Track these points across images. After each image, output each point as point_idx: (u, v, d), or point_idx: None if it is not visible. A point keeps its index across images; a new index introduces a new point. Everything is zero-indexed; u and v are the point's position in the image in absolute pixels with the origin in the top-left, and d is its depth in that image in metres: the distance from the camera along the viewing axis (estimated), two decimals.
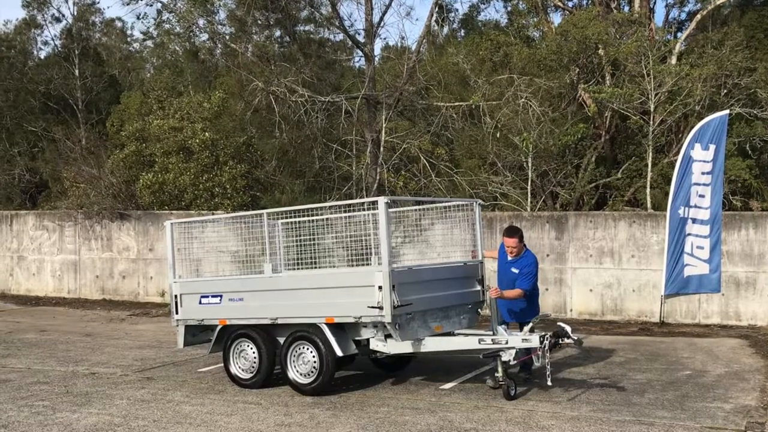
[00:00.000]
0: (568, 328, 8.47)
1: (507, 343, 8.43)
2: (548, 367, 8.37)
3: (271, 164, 20.29)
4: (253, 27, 24.66)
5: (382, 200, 8.49)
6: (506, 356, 8.44)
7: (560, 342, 8.48)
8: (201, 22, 23.21)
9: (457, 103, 19.88)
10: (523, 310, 9.57)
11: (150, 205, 19.63)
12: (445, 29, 27.65)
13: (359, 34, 21.22)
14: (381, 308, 8.19)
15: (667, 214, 15.40)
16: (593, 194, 20.08)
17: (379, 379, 9.74)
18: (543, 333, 8.41)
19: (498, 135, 18.97)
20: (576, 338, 8.56)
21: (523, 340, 8.42)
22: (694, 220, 15.25)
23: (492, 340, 8.53)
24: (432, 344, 8.71)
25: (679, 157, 15.60)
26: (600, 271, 16.08)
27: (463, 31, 29.07)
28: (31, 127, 27.40)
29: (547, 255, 16.39)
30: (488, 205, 19.03)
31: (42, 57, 33.58)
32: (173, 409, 8.07)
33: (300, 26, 25.25)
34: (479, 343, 8.57)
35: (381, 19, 20.26)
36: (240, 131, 20.58)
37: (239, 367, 9.27)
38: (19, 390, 8.99)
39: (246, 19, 23.83)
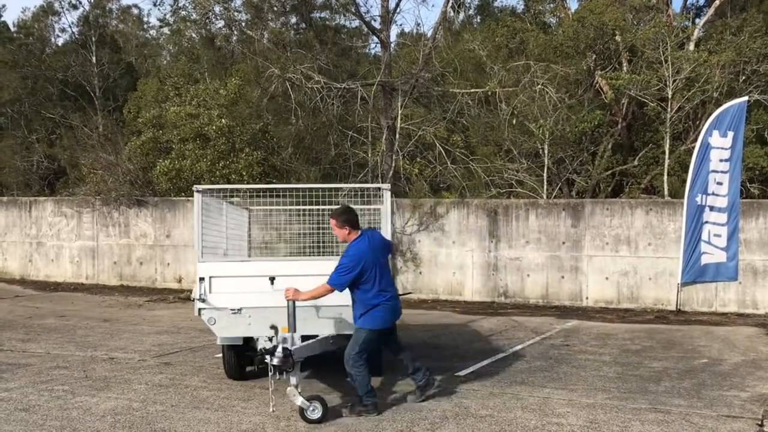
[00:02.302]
0: (279, 349, 6.93)
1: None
2: (271, 386, 7.28)
3: (287, 151, 20.31)
4: (269, 13, 24.65)
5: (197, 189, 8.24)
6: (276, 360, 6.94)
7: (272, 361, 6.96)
8: (217, 8, 23.26)
9: (472, 90, 19.81)
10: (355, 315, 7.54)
11: (167, 192, 19.73)
12: (461, 15, 27.51)
13: (375, 20, 21.15)
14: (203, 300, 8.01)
15: (685, 201, 15.32)
16: (610, 182, 20.00)
17: (395, 366, 9.78)
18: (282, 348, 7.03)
19: (514, 122, 18.91)
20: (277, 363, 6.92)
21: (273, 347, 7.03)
22: (711, 208, 15.17)
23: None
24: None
25: (697, 144, 15.51)
26: (616, 258, 16.03)
27: (479, 17, 28.92)
28: (49, 114, 27.57)
29: (563, 243, 16.36)
30: (504, 193, 19.01)
31: (59, 44, 33.79)
32: (191, 394, 8.15)
33: (316, 12, 25.20)
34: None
35: (397, 5, 20.20)
36: (256, 118, 20.61)
37: None
38: (39, 374, 9.10)
39: (262, 6, 23.84)
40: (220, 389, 8.42)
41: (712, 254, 15.14)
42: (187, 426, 6.94)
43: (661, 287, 15.71)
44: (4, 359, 10.00)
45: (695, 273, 15.24)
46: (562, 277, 16.41)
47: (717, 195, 15.16)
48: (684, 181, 16.17)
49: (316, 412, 7.04)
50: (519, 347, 11.31)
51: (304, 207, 10.62)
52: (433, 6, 39.65)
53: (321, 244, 10.47)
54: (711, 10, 21.97)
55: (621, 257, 16.01)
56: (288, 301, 7.30)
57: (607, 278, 16.09)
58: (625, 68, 20.32)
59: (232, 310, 8.08)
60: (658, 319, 14.69)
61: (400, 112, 19.34)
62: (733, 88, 18.36)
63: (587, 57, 20.13)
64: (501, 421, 7.19)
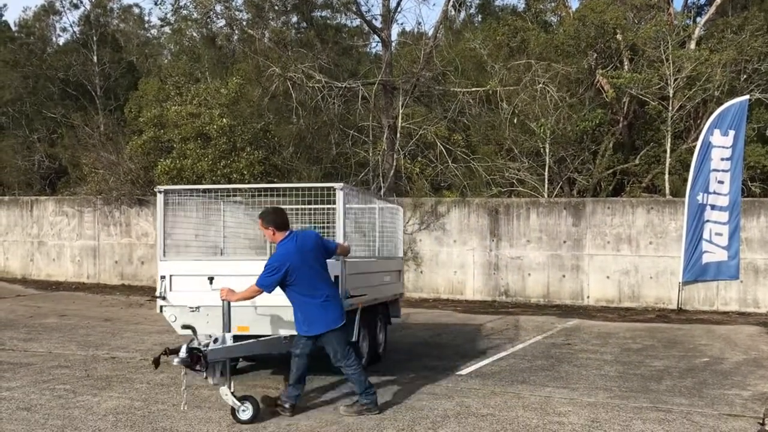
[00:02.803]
0: (183, 349, 6.65)
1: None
2: (183, 384, 7.02)
3: (288, 150, 20.32)
4: (270, 12, 24.66)
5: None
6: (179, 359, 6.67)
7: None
8: (218, 7, 23.29)
9: (473, 89, 19.82)
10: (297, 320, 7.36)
11: None
12: (462, 14, 27.54)
13: (376, 19, 21.18)
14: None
15: (686, 200, 15.35)
16: (611, 180, 20.00)
17: (397, 365, 9.79)
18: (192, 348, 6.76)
19: (515, 121, 18.92)
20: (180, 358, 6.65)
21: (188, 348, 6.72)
22: (712, 207, 15.19)
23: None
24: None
25: (698, 143, 15.54)
26: (617, 257, 16.04)
27: (480, 16, 28.91)
28: (50, 114, 27.58)
29: (564, 242, 16.36)
30: (505, 192, 19.01)
31: (61, 43, 33.77)
32: (192, 393, 8.15)
33: (317, 12, 25.20)
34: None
35: (398, 4, 20.25)
36: (257, 117, 20.61)
37: None
38: (40, 373, 9.11)
39: (263, 5, 23.84)
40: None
41: (713, 253, 15.16)
42: (189, 425, 6.95)
43: (663, 286, 15.71)
44: (5, 358, 10.00)
45: (696, 272, 15.26)
46: (563, 276, 16.41)
47: (718, 194, 15.18)
48: (685, 180, 16.19)
49: (246, 412, 6.92)
50: (520, 346, 11.31)
51: (298, 207, 10.61)
52: (434, 5, 39.71)
53: None
54: (712, 9, 21.97)
55: (622, 256, 16.00)
56: (223, 301, 7.20)
57: (608, 277, 16.09)
58: (626, 67, 20.32)
59: (190, 308, 8.08)
60: (660, 317, 14.69)
61: (401, 111, 19.35)
62: (735, 87, 18.36)
63: (588, 56, 20.13)
64: (502, 420, 7.18)
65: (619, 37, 20.18)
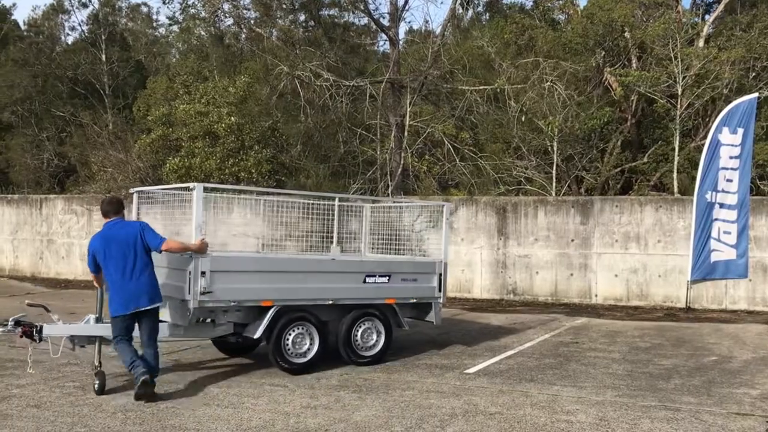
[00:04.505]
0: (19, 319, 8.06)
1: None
2: (30, 359, 8.30)
3: (296, 149, 20.36)
4: (277, 11, 24.69)
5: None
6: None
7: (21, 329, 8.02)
8: (226, 6, 23.37)
9: (481, 87, 19.82)
10: None
11: None
12: (470, 12, 27.51)
13: (384, 17, 21.21)
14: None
15: (694, 198, 15.32)
16: (619, 179, 19.97)
17: (404, 363, 9.81)
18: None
19: (523, 119, 18.91)
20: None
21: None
22: (721, 205, 15.15)
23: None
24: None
25: (707, 141, 15.51)
26: (625, 256, 16.01)
27: (487, 14, 28.90)
28: (59, 112, 27.72)
29: (572, 240, 16.35)
30: (512, 190, 19.00)
31: (69, 42, 33.96)
32: (201, 391, 8.19)
33: (324, 10, 25.23)
34: None
35: (406, 2, 20.27)
36: (265, 116, 20.66)
37: None
38: (50, 371, 9.15)
39: (271, 3, 23.88)
40: (229, 386, 8.46)
41: (722, 251, 15.13)
42: (198, 423, 6.98)
43: (671, 284, 15.68)
44: (15, 356, 10.06)
45: (705, 270, 15.24)
46: (571, 274, 16.40)
47: (727, 192, 15.14)
48: (694, 179, 16.16)
49: (95, 386, 8.01)
50: (528, 344, 11.31)
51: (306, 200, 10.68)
52: (441, 3, 39.78)
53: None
54: (720, 7, 21.91)
55: (630, 254, 15.98)
56: (96, 289, 8.49)
57: (616, 275, 16.07)
58: (634, 65, 20.30)
59: None
60: (668, 316, 14.67)
61: (408, 109, 19.37)
62: (743, 85, 18.32)
63: (596, 54, 20.11)
64: (510, 418, 7.19)
65: (627, 35, 20.15)
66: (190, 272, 8.37)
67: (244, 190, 11.32)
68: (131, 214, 9.09)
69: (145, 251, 7.97)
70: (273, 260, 9.64)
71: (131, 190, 9.24)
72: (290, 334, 9.09)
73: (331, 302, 9.45)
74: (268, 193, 11.02)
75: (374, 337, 9.86)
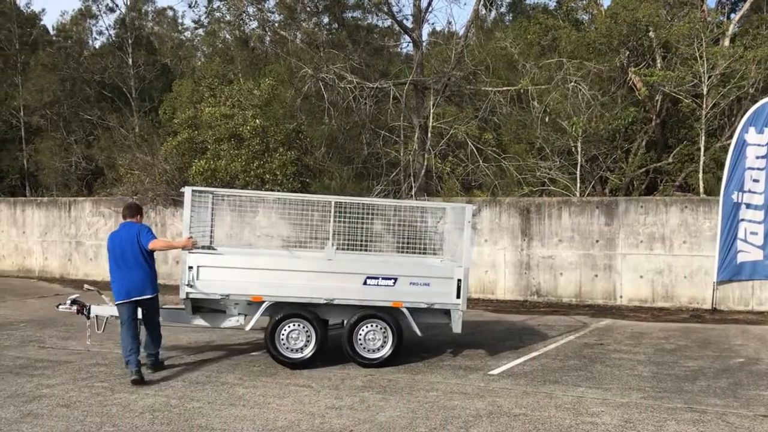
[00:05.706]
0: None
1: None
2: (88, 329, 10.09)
3: (320, 151, 20.45)
4: (301, 14, 24.82)
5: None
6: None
7: None
8: (251, 9, 23.49)
9: (504, 88, 19.79)
10: None
11: None
12: (493, 13, 27.50)
13: (407, 19, 21.24)
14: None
15: (720, 199, 15.20)
16: (643, 179, 19.85)
17: (428, 364, 9.85)
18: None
19: (546, 119, 18.86)
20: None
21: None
22: (747, 206, 15.02)
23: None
24: None
25: (733, 141, 15.38)
26: (651, 257, 15.92)
27: (510, 14, 28.83)
28: (86, 116, 28.06)
29: (597, 241, 16.29)
30: (536, 191, 18.96)
31: (97, 47, 34.33)
32: (227, 392, 8.29)
33: (348, 12, 25.31)
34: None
35: (429, 4, 20.29)
36: (290, 118, 20.77)
37: None
38: (79, 371, 9.30)
39: (295, 6, 24.00)
40: (255, 386, 8.55)
41: (748, 252, 15.00)
42: (224, 423, 7.07)
43: (697, 285, 15.56)
44: (45, 356, 10.24)
45: (731, 271, 15.12)
46: (596, 275, 16.34)
47: (753, 192, 15.01)
48: (719, 179, 16.02)
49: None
50: (552, 346, 11.30)
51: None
52: (465, 4, 39.61)
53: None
54: (746, 5, 21.69)
55: (655, 255, 15.89)
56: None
57: (641, 277, 15.99)
58: (659, 64, 20.16)
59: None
60: (694, 317, 14.56)
61: (432, 110, 19.39)
62: None
63: (620, 53, 20.00)
64: (535, 420, 7.21)
65: (651, 34, 20.02)
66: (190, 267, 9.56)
67: (232, 194, 11.98)
68: (185, 211, 9.76)
69: (141, 250, 8.97)
70: (259, 258, 10.32)
71: (181, 189, 9.98)
72: (285, 330, 9.54)
73: (324, 301, 9.60)
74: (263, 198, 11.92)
75: (380, 339, 9.72)
